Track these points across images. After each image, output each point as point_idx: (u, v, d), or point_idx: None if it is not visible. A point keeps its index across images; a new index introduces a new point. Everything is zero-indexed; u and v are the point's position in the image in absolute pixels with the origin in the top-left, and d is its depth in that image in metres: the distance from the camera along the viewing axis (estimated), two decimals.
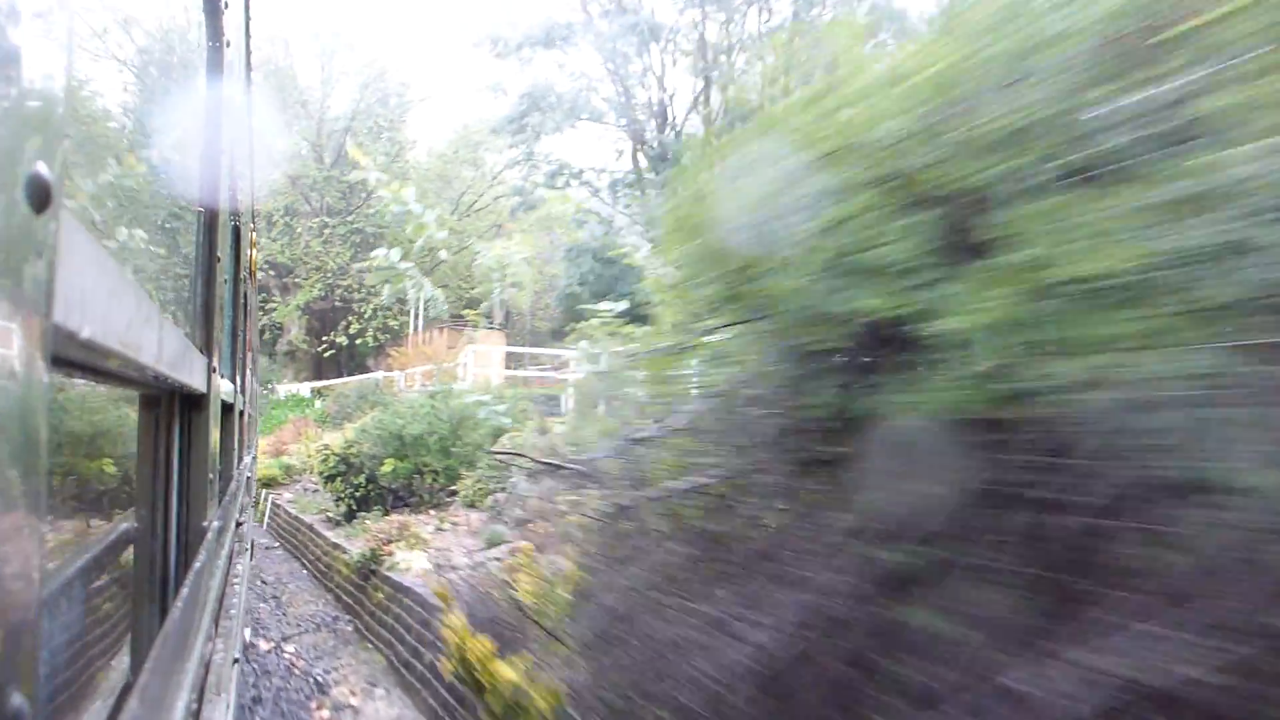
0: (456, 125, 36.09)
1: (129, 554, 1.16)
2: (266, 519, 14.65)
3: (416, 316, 29.26)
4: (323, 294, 31.34)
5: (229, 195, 2.07)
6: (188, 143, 1.49)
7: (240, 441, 4.40)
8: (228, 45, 1.69)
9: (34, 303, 0.42)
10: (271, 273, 31.34)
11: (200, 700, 1.35)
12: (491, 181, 33.68)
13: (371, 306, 29.85)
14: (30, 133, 0.42)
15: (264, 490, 14.55)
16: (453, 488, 9.50)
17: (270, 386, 25.71)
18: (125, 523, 1.15)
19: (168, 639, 1.24)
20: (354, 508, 10.03)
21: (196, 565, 1.50)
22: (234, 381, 2.79)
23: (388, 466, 9.70)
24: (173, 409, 1.34)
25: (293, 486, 15.65)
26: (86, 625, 0.93)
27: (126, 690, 1.06)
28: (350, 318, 31.30)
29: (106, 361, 0.73)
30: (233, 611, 1.74)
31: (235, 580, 2.03)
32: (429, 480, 9.67)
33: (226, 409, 2.19)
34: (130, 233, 0.99)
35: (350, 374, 26.94)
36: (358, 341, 30.63)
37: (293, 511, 12.39)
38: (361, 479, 10.00)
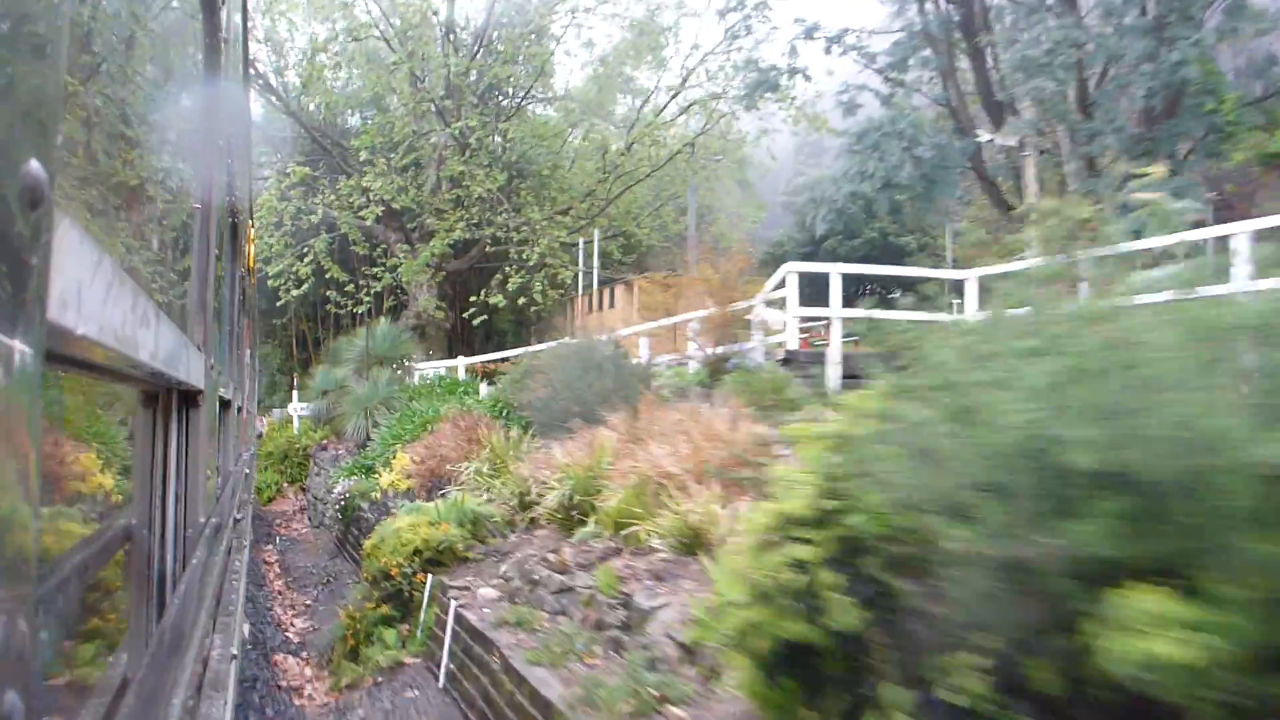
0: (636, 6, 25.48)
1: (127, 550, 1.16)
2: (444, 669, 6.17)
3: (589, 270, 22.80)
4: (462, 240, 23.30)
5: (227, 191, 2.06)
6: (185, 139, 1.48)
7: (239, 437, 4.41)
8: (224, 42, 1.69)
9: (27, 300, 0.42)
10: (388, 212, 23.54)
11: (198, 697, 1.35)
12: (683, 81, 24.58)
13: (538, 251, 22.42)
14: (22, 129, 0.41)
15: (427, 573, 7.14)
16: None
17: (404, 364, 19.38)
18: (123, 518, 1.15)
19: (165, 635, 1.24)
20: None
21: (194, 561, 1.50)
22: (232, 378, 2.78)
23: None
24: (170, 405, 1.34)
25: (492, 567, 6.88)
26: (84, 621, 0.93)
27: (124, 687, 1.06)
28: (507, 269, 23.06)
29: (103, 358, 0.73)
30: (231, 608, 1.74)
31: (234, 576, 2.02)
32: None
33: (224, 405, 2.19)
34: (127, 230, 0.99)
35: (484, 350, 21.58)
36: (520, 300, 23.25)
37: (545, 692, 4.33)
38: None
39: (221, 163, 2.15)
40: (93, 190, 0.95)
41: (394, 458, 12.03)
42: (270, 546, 14.76)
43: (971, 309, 9.13)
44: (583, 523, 6.19)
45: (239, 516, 3.36)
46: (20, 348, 0.49)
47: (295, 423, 21.83)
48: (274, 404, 28.53)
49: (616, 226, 27.24)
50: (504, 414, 11.77)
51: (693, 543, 4.80)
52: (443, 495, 9.07)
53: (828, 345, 9.68)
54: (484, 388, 15.68)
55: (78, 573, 1.01)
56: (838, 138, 24.19)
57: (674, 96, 24.89)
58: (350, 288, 23.60)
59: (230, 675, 1.72)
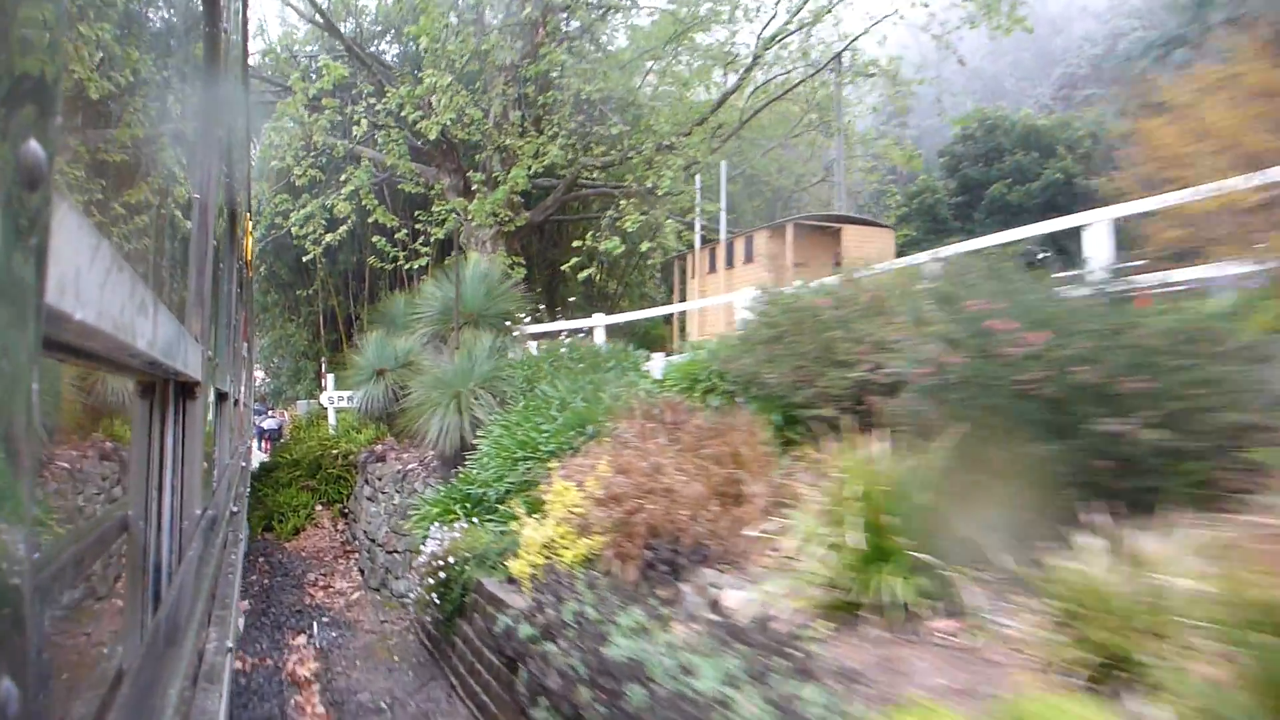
0: None
1: (123, 540, 1.16)
2: None
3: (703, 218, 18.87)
4: (553, 168, 17.99)
5: (225, 182, 2.05)
6: (184, 128, 1.48)
7: (235, 430, 4.39)
8: (225, 32, 1.68)
9: (25, 283, 0.41)
10: (442, 148, 18.65)
11: (194, 689, 1.35)
12: None
13: (669, 175, 16.78)
14: (22, 109, 0.41)
15: None
16: None
17: (515, 325, 13.43)
18: (119, 509, 1.14)
19: (160, 627, 1.24)
20: None
21: (190, 553, 1.50)
22: (229, 370, 2.78)
23: None
24: (167, 396, 1.34)
25: None
26: (80, 612, 0.93)
27: (119, 678, 1.06)
28: (623, 203, 17.54)
29: (100, 345, 0.72)
30: (227, 600, 1.73)
31: (229, 569, 2.02)
32: None
33: (221, 397, 2.18)
34: (124, 217, 0.98)
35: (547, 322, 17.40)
36: (641, 246, 18.81)
37: None
38: None
39: (220, 153, 2.14)
40: (91, 177, 0.94)
41: (537, 485, 6.94)
42: (302, 638, 9.05)
43: None
44: None
45: (235, 509, 3.36)
46: (19, 332, 0.48)
47: (331, 418, 16.80)
48: (298, 394, 24.76)
49: (734, 165, 22.53)
50: (731, 400, 7.18)
51: None
52: (678, 584, 4.86)
53: None
54: (657, 359, 10.92)
55: (74, 562, 1.00)
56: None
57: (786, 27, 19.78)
58: (403, 234, 18.53)
59: (225, 668, 1.71)
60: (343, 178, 18.13)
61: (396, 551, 10.03)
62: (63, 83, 0.58)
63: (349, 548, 12.66)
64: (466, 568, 6.74)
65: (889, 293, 5.88)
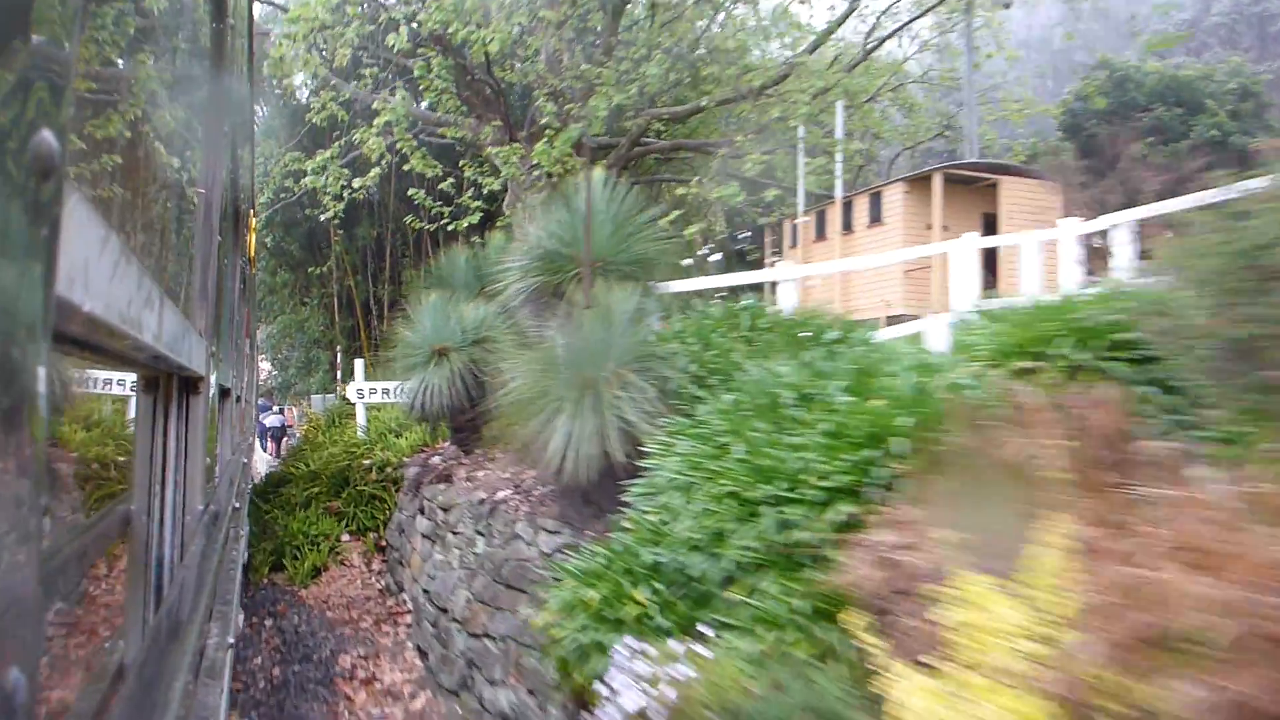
0: None
1: (125, 536, 1.16)
2: None
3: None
4: (631, 103, 14.77)
5: (230, 178, 2.06)
6: (188, 124, 1.48)
7: (237, 427, 4.42)
8: (231, 28, 1.68)
9: (36, 273, 0.41)
10: (483, 94, 15.90)
11: (195, 683, 1.35)
12: None
13: (804, 104, 14.17)
14: (36, 99, 0.40)
15: None
16: None
17: (657, 280, 8.16)
18: (122, 504, 1.15)
19: (163, 622, 1.25)
20: None
21: (193, 549, 1.50)
22: (232, 366, 2.79)
23: None
24: (171, 390, 1.34)
25: None
26: (83, 606, 0.93)
27: (121, 673, 1.06)
28: (739, 138, 14.49)
29: (107, 338, 0.72)
30: (229, 596, 1.74)
31: (230, 566, 2.03)
32: None
33: (224, 393, 2.19)
34: (131, 211, 0.99)
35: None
36: (768, 195, 17.30)
37: None
38: None
39: (225, 150, 2.14)
40: (98, 171, 0.94)
41: (824, 557, 3.34)
42: None
43: None
44: None
45: (237, 505, 3.36)
46: (29, 323, 0.48)
47: (360, 416, 13.15)
48: (310, 388, 22.21)
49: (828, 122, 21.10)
50: None
51: None
52: None
53: None
54: (934, 322, 8.02)
55: (78, 557, 1.00)
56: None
57: None
58: (448, 184, 14.97)
59: (226, 663, 1.72)
60: (375, 105, 14.45)
61: (490, 637, 6.41)
62: (74, 71, 0.58)
63: (393, 604, 9.23)
64: None
65: None
